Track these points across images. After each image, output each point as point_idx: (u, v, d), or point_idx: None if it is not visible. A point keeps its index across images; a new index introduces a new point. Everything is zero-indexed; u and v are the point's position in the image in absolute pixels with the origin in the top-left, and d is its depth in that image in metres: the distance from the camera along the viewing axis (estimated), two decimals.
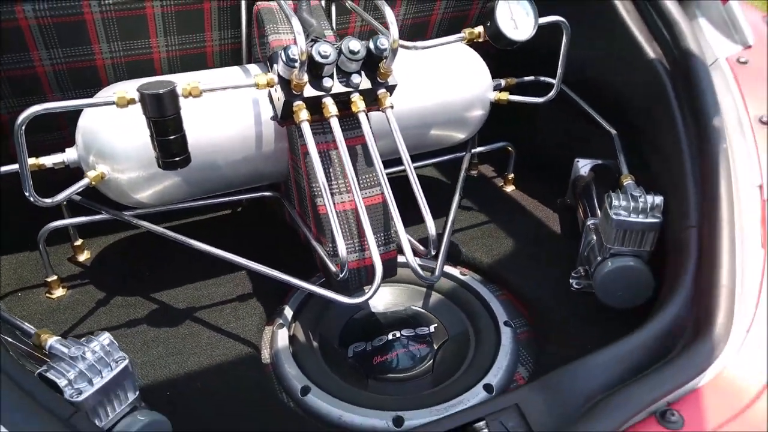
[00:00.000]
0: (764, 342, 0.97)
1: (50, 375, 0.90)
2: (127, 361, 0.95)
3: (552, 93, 1.51)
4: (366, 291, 1.23)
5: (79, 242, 1.58)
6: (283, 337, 1.37)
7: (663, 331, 1.03)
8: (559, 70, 1.45)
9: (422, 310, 1.51)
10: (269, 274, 1.29)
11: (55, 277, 1.46)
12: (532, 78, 1.70)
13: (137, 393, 0.99)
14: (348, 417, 1.19)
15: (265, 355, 1.37)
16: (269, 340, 1.40)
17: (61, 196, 1.15)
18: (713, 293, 1.03)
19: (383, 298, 1.54)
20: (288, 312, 1.44)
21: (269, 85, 1.17)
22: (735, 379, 0.93)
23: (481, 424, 0.94)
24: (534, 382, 1.00)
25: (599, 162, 1.65)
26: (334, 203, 1.25)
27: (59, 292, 1.47)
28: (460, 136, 1.63)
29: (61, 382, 0.89)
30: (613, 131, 1.57)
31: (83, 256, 1.59)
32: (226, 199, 1.52)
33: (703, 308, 1.02)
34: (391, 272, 1.36)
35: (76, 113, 1.24)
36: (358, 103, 1.22)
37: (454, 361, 1.37)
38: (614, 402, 0.91)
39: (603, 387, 0.97)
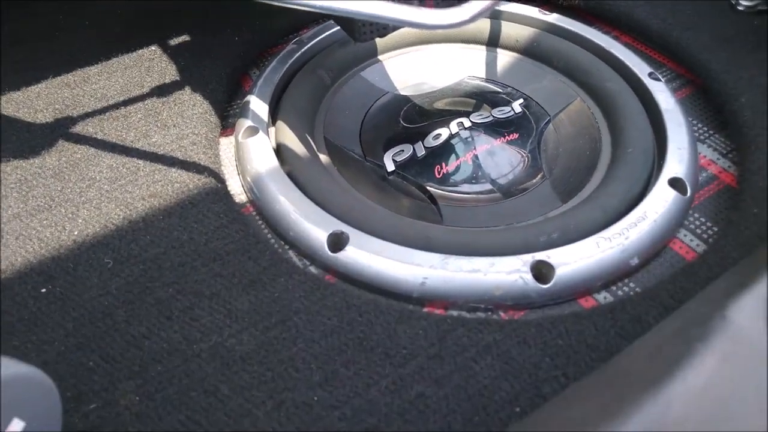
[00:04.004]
0: None
1: None
2: None
3: None
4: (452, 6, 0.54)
5: None
6: (260, 150, 0.70)
7: None
8: None
9: (490, 82, 0.87)
10: None
11: None
12: None
13: None
14: (438, 277, 0.58)
15: (234, 187, 0.71)
16: (235, 161, 0.73)
17: None
18: None
19: (413, 68, 0.88)
20: (258, 105, 0.76)
21: None
22: None
23: None
24: None
25: None
26: None
27: None
28: None
29: None
30: None
31: None
32: None
33: None
34: None
35: None
36: None
37: (578, 152, 0.76)
38: None
39: None
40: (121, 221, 0.61)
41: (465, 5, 0.47)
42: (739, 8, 0.86)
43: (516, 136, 0.78)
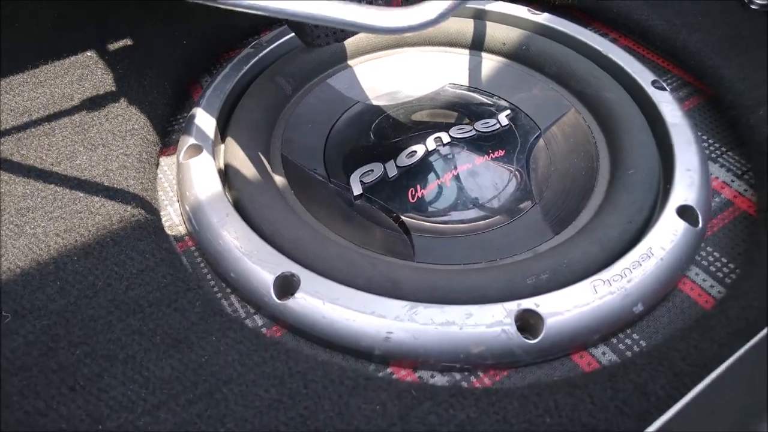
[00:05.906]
0: None
1: None
2: None
3: None
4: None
5: None
6: (203, 172, 0.60)
7: None
8: None
9: (473, 91, 0.77)
10: None
11: None
12: None
13: None
14: (405, 331, 0.48)
15: (172, 217, 0.61)
16: (176, 185, 0.64)
17: None
18: None
19: (387, 75, 0.78)
20: (204, 119, 0.66)
21: None
22: None
23: None
24: None
25: None
26: None
27: None
28: None
29: None
30: None
31: None
32: None
33: None
34: None
35: None
36: None
37: (572, 173, 0.67)
38: None
39: None
40: (27, 263, 0.51)
41: (428, 3, 0.38)
42: (753, 7, 0.77)
43: (502, 152, 0.69)
